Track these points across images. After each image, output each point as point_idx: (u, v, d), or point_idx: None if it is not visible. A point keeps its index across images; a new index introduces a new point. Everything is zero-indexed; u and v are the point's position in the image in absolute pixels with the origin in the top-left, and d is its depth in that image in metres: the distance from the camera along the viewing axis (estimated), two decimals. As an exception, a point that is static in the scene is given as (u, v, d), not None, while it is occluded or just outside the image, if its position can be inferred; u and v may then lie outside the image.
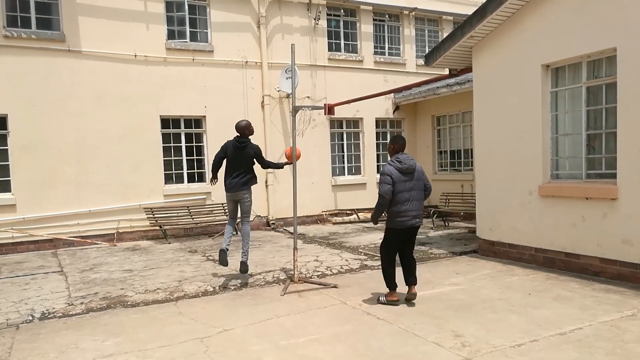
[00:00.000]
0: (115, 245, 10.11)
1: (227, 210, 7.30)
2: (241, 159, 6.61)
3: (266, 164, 6.94)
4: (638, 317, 4.77)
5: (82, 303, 5.87)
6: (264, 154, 7.02)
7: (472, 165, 12.19)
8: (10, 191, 9.70)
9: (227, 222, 6.96)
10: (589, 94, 6.55)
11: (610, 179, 6.23)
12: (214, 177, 6.94)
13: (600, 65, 6.41)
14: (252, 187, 6.78)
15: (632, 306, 5.09)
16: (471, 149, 12.30)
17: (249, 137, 6.70)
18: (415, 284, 5.54)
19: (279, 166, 7.16)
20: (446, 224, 11.53)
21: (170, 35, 11.10)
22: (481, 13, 7.34)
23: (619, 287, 5.77)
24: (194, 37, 11.40)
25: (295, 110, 6.83)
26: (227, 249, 6.60)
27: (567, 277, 6.35)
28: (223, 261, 6.53)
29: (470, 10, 9.32)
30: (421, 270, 7.13)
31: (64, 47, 9.98)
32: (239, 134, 6.67)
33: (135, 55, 10.61)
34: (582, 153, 6.62)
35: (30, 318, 5.40)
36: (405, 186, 5.29)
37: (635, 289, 5.69)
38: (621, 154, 5.98)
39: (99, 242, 10.16)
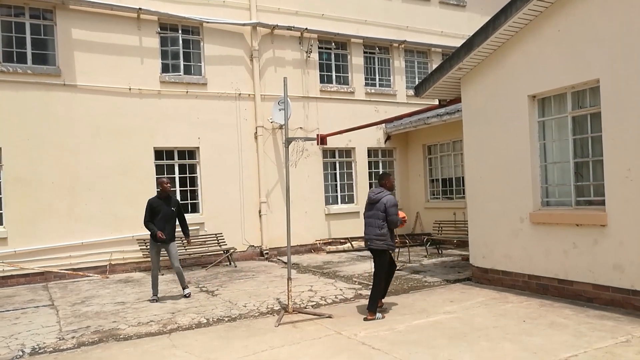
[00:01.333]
0: (108, 278, 10.00)
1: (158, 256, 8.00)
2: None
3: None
4: (632, 343, 4.79)
5: (73, 337, 5.79)
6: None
7: (464, 193, 12.30)
8: (2, 224, 9.65)
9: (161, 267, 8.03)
10: (574, 123, 6.72)
11: (599, 206, 6.34)
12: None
13: (585, 96, 6.60)
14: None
15: (626, 332, 5.11)
16: (462, 177, 12.43)
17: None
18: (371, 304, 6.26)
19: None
20: (439, 252, 11.55)
21: (165, 68, 11.29)
22: (468, 46, 7.57)
23: (613, 313, 5.80)
24: (187, 71, 11.60)
25: (288, 141, 6.93)
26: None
27: (561, 304, 6.37)
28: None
29: (457, 43, 9.60)
30: (415, 299, 7.13)
31: (60, 81, 10.11)
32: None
33: (130, 89, 10.76)
34: (570, 180, 6.74)
35: (21, 353, 5.32)
36: (367, 214, 6.42)
37: (628, 314, 5.72)
38: (608, 181, 6.10)
39: (91, 275, 10.06)
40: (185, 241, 8.27)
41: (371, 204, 6.35)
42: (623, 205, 5.93)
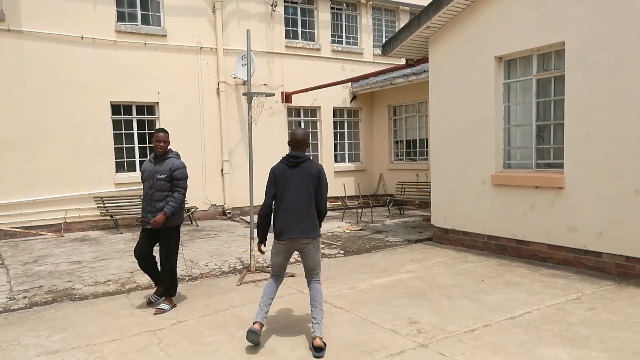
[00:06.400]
0: (63, 236, 9.66)
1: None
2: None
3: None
4: (582, 300, 4.99)
5: (25, 297, 5.57)
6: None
7: (427, 155, 12.40)
8: (-56, 179, 9.08)
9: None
10: (538, 86, 6.75)
11: (557, 169, 6.47)
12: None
13: (550, 59, 6.61)
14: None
15: (577, 290, 5.32)
16: (426, 139, 12.51)
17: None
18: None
19: None
20: (402, 213, 11.70)
21: (120, 17, 10.63)
22: (437, 3, 7.40)
23: (565, 272, 6.02)
24: (145, 21, 10.97)
25: (249, 97, 6.68)
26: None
27: (518, 263, 6.57)
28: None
29: (426, 3, 9.40)
30: (377, 258, 7.21)
31: (4, 26, 9.36)
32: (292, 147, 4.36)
33: (82, 37, 10.10)
34: (532, 143, 6.84)
35: (-32, 314, 5.08)
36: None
37: (579, 273, 5.95)
38: (568, 144, 6.20)
39: (44, 233, 9.68)
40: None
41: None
42: (580, 168, 6.07)
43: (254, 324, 4.03)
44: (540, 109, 6.78)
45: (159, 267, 5.26)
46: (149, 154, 5.12)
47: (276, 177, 4.19)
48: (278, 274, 4.31)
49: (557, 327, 4.29)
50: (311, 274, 4.24)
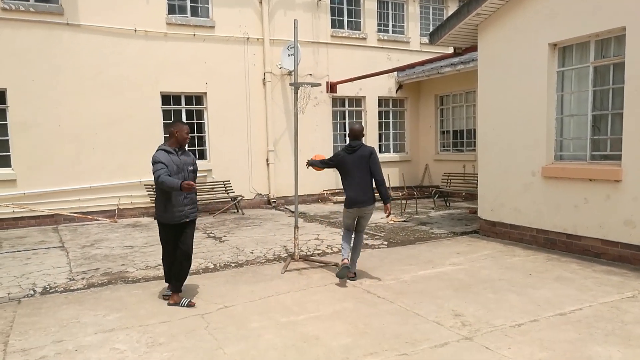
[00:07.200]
0: (116, 222, 10.11)
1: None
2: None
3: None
4: (638, 298, 4.77)
5: (83, 278, 5.88)
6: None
7: (474, 146, 12.12)
8: (10, 166, 9.66)
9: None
10: (596, 74, 6.45)
11: (614, 161, 6.18)
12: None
13: (609, 45, 6.29)
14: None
15: (632, 288, 5.09)
16: (474, 129, 12.21)
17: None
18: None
19: None
20: (447, 204, 11.51)
21: (171, 9, 10.92)
22: (488, -11, 7.18)
23: (620, 269, 5.77)
24: (194, 12, 11.22)
25: (296, 87, 6.73)
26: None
27: (568, 259, 6.34)
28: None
29: (476, -13, 9.12)
30: (421, 250, 7.15)
31: (63, 20, 9.81)
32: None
33: (135, 30, 10.44)
34: (586, 134, 6.55)
35: (32, 292, 5.42)
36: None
37: (636, 270, 5.69)
38: (627, 135, 5.91)
39: (99, 218, 10.16)
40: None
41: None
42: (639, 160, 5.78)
43: (343, 260, 5.57)
44: (596, 98, 6.48)
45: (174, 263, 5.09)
46: (164, 145, 4.97)
47: (340, 160, 5.77)
48: (349, 229, 5.82)
49: (611, 325, 4.13)
50: (360, 229, 5.90)
